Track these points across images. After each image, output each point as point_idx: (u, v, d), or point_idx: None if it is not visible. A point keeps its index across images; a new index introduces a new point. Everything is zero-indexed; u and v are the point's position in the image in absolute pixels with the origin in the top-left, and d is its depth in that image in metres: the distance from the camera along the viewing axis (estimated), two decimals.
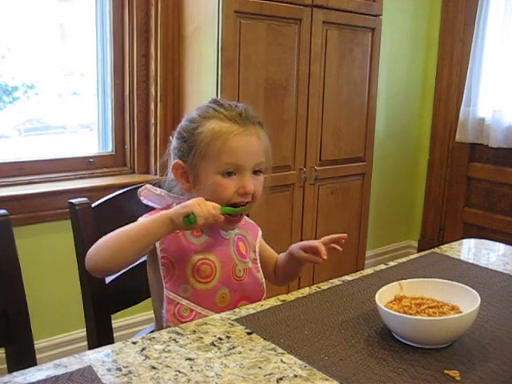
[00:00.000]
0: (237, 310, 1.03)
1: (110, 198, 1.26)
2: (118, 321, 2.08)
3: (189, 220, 0.98)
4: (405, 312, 0.92)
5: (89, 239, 1.17)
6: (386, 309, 0.90)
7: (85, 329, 1.23)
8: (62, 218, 1.98)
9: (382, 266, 1.28)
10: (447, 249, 1.43)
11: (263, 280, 1.20)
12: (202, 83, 2.17)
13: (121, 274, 1.20)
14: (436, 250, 1.42)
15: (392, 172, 3.32)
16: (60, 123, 2.29)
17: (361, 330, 0.94)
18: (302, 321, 0.98)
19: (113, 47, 2.24)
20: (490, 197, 3.14)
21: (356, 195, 2.68)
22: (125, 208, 1.24)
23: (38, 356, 1.14)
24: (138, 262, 1.12)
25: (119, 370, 0.80)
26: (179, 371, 0.80)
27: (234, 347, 0.88)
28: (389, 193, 3.33)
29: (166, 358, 0.84)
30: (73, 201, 1.19)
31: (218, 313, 1.05)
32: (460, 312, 0.92)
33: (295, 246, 1.19)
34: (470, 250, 1.49)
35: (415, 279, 1.04)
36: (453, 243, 1.49)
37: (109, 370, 0.80)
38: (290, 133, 2.32)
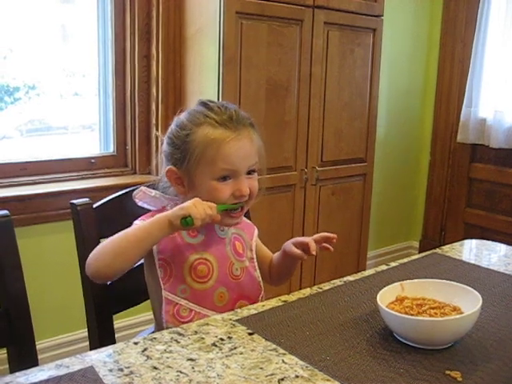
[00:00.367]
0: (238, 310, 1.03)
1: (112, 199, 1.26)
2: (119, 321, 2.08)
3: (186, 222, 0.99)
4: (406, 313, 0.92)
5: (90, 239, 1.17)
6: (387, 309, 0.90)
7: (86, 329, 1.23)
8: (64, 218, 1.97)
9: (384, 267, 1.28)
10: (448, 249, 1.43)
11: (260, 279, 1.20)
12: (204, 84, 2.17)
13: (122, 275, 1.20)
14: (437, 250, 1.42)
15: (393, 172, 3.31)
16: (62, 124, 2.30)
17: (362, 331, 0.95)
18: (304, 321, 0.98)
19: (114, 48, 2.24)
20: (491, 197, 3.13)
21: (357, 196, 2.67)
22: (126, 208, 1.24)
23: (39, 356, 1.14)
24: (138, 263, 1.12)
25: (121, 370, 0.80)
26: (181, 372, 0.80)
27: (235, 348, 0.88)
28: (390, 193, 3.33)
29: (167, 358, 0.84)
30: (74, 201, 1.19)
31: (217, 312, 1.05)
32: (461, 313, 0.92)
33: (288, 242, 1.20)
34: (472, 250, 1.49)
35: (417, 280, 1.04)
36: (454, 244, 1.49)
37: (110, 370, 0.80)
38: (291, 133, 2.32)
